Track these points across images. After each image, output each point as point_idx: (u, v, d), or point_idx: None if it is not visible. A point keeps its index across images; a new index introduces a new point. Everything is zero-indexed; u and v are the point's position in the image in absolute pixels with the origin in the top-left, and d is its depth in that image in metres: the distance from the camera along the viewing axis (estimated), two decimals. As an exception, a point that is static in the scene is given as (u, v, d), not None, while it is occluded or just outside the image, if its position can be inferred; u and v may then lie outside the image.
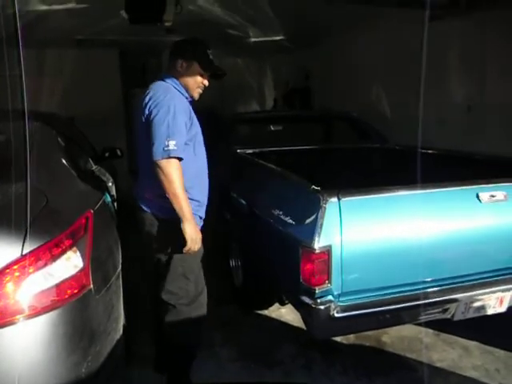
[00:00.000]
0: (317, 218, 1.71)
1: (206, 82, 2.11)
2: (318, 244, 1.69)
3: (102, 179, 2.91)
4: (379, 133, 4.11)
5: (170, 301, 2.06)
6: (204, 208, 2.14)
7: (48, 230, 1.52)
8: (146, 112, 1.95)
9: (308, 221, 1.79)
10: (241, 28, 5.53)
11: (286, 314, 3.02)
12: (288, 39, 6.36)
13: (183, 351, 2.12)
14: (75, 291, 1.51)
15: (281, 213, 2.05)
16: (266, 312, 3.07)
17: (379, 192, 1.86)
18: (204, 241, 2.03)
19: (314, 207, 1.77)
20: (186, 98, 2.10)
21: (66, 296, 1.48)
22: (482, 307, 2.07)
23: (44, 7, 4.10)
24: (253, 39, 6.16)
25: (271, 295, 2.88)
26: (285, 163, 2.68)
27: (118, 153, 4.23)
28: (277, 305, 3.02)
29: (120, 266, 2.05)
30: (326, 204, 1.72)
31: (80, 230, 1.64)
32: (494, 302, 2.07)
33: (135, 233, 2.14)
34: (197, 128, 2.10)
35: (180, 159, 1.88)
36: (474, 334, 2.63)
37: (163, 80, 2.09)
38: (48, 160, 2.06)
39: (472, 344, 2.62)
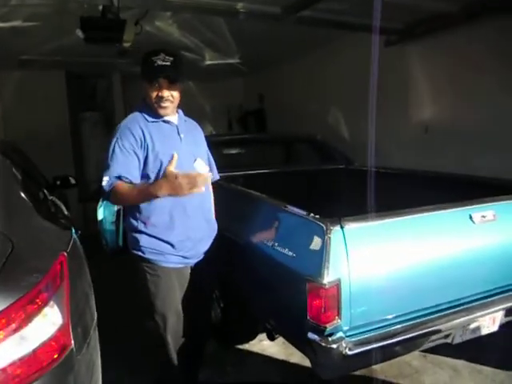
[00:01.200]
0: (322, 249, 1.59)
1: (162, 93, 1.88)
2: (328, 278, 1.56)
3: (62, 212, 2.60)
4: (344, 154, 4.12)
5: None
6: (190, 244, 2.01)
7: (19, 284, 1.26)
8: None
9: (311, 252, 1.65)
10: (197, 50, 5.42)
11: (269, 347, 2.86)
12: (243, 62, 6.34)
13: None
14: (55, 355, 1.26)
15: (274, 243, 1.90)
16: (246, 346, 2.89)
17: (380, 217, 1.78)
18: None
19: (317, 237, 1.64)
20: (155, 120, 1.96)
21: (45, 363, 1.22)
22: (478, 328, 2.04)
23: (-15, 24, 3.74)
24: (208, 62, 6.06)
25: (255, 330, 2.71)
26: (260, 187, 2.56)
27: (72, 181, 3.91)
28: (259, 337, 2.85)
29: (96, 315, 1.79)
30: (330, 233, 1.60)
31: (56, 279, 1.39)
32: (488, 322, 2.05)
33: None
34: (164, 154, 1.88)
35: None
36: (458, 352, 2.61)
37: (136, 107, 2.03)
38: (6, 196, 1.77)
39: (459, 363, 2.61)
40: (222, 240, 2.52)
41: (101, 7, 3.13)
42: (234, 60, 6.13)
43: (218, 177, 2.33)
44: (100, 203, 3.85)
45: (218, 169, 3.39)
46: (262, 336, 2.73)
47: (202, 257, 2.09)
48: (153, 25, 4.13)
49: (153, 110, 1.95)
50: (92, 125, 6.68)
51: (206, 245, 2.10)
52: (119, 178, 1.83)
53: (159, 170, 1.88)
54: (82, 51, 4.80)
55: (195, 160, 2.04)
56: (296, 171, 3.97)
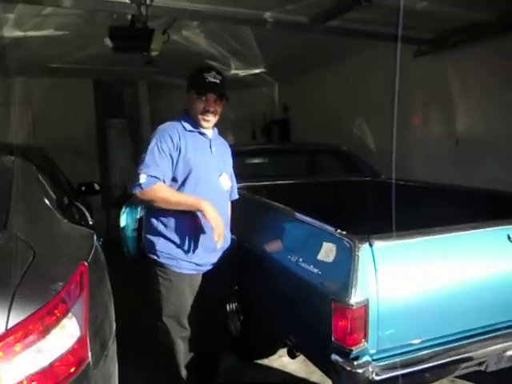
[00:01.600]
0: (350, 267, 1.51)
1: (209, 107, 2.02)
2: (355, 299, 1.48)
3: (85, 219, 2.61)
4: (370, 166, 4.02)
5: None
6: (202, 253, 2.05)
7: (38, 294, 1.23)
8: None
9: (338, 271, 1.58)
10: (222, 60, 5.44)
11: (289, 363, 2.76)
12: (268, 72, 6.33)
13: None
14: (72, 369, 1.22)
15: (298, 259, 1.84)
16: (266, 361, 2.81)
17: (411, 236, 1.69)
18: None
19: (345, 255, 1.57)
20: (192, 130, 2.06)
21: (61, 378, 1.18)
22: (514, 356, 1.90)
23: (19, 33, 3.83)
24: (233, 71, 6.07)
25: (275, 345, 2.63)
26: (283, 199, 2.50)
27: (96, 187, 3.94)
28: (279, 353, 2.78)
29: (115, 325, 1.76)
30: (358, 251, 1.53)
31: (75, 290, 1.36)
32: (525, 349, 1.91)
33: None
34: (194, 163, 2.01)
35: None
36: (490, 378, 2.46)
37: (177, 117, 2.12)
38: (31, 202, 1.77)
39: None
40: (243, 252, 2.48)
41: (129, 17, 3.16)
42: (259, 69, 6.13)
43: (237, 197, 2.41)
44: (123, 209, 3.86)
45: (241, 178, 3.42)
46: (283, 351, 2.65)
47: (214, 265, 2.12)
48: (180, 34, 4.15)
49: (193, 121, 2.07)
50: (118, 132, 6.78)
51: (218, 255, 2.13)
52: (156, 177, 1.92)
53: (187, 176, 2.00)
54: (110, 60, 4.88)
55: (221, 175, 2.14)
56: (320, 182, 3.89)
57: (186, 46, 4.59)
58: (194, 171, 1.99)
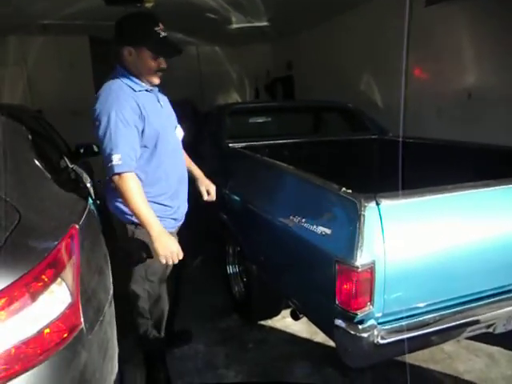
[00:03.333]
0: (356, 228, 1.43)
1: (164, 65, 1.88)
2: (361, 260, 1.40)
3: (81, 181, 2.52)
4: (378, 124, 3.86)
5: (133, 302, 2.07)
6: (181, 209, 2.06)
7: (23, 259, 1.16)
8: (92, 119, 1.80)
9: (342, 231, 1.50)
10: (222, 12, 5.17)
11: (292, 324, 2.75)
12: (271, 26, 6.02)
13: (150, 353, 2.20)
14: (64, 336, 1.17)
15: (301, 219, 1.75)
16: (269, 322, 2.81)
17: (419, 194, 1.59)
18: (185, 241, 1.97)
19: (350, 214, 1.48)
20: (141, 90, 1.87)
21: (52, 344, 1.13)
22: (524, 318, 1.85)
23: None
24: (234, 25, 5.79)
25: (279, 306, 2.61)
26: (287, 158, 2.40)
27: (95, 149, 3.83)
28: (282, 314, 2.76)
29: (112, 288, 1.71)
30: (364, 211, 1.43)
31: (65, 254, 1.29)
32: (535, 310, 1.85)
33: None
34: (160, 124, 1.90)
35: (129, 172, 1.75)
36: (495, 338, 2.42)
37: (113, 75, 1.88)
38: (18, 162, 1.68)
39: (495, 350, 2.44)
40: (246, 212, 2.41)
41: (121, -36, 2.94)
42: (261, 23, 5.83)
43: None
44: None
45: (244, 137, 3.32)
46: (286, 312, 2.63)
47: (183, 220, 2.11)
48: (176, -17, 3.90)
49: (137, 78, 1.87)
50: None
51: (185, 207, 2.11)
52: (130, 159, 1.76)
53: (156, 141, 1.88)
54: (106, 15, 4.62)
55: (176, 127, 2.08)
56: (325, 141, 3.76)
57: (183, -2, 4.34)
58: (160, 133, 1.89)
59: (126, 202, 1.78)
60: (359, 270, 1.40)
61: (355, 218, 1.45)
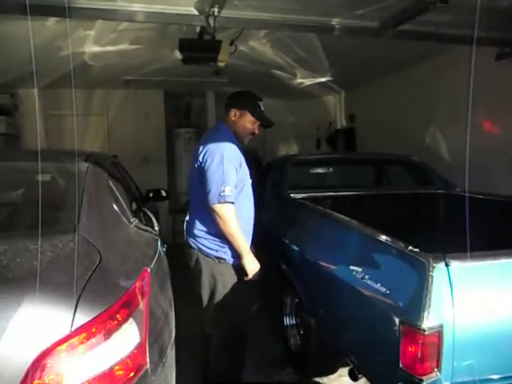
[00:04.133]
0: (423, 288, 1.38)
1: (257, 130, 2.36)
2: (428, 323, 1.35)
3: (151, 225, 2.67)
4: (444, 178, 3.75)
5: (212, 331, 2.29)
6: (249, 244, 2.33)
7: (102, 298, 1.26)
8: (201, 159, 2.20)
9: (409, 291, 1.46)
10: (288, 69, 5.42)
11: (349, 383, 2.62)
12: (334, 80, 6.20)
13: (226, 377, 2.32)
14: (131, 374, 1.23)
15: (364, 275, 1.73)
16: (325, 380, 2.69)
17: (493, 256, 1.52)
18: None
19: (417, 274, 1.44)
20: (237, 144, 2.29)
21: (121, 382, 1.19)
22: None
23: (98, 48, 4.10)
24: (299, 80, 6.03)
25: (336, 363, 2.51)
26: (349, 211, 2.39)
27: (163, 194, 4.09)
28: (339, 372, 2.64)
29: (174, 331, 1.76)
30: (433, 271, 1.39)
31: (137, 295, 1.37)
32: None
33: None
34: (245, 172, 2.32)
35: (232, 203, 2.13)
36: None
37: (217, 128, 2.40)
38: (100, 207, 1.84)
39: None
40: (306, 264, 2.41)
41: (198, 29, 3.24)
42: (325, 78, 6.02)
43: None
44: (187, 217, 3.96)
45: (305, 188, 3.41)
46: (343, 371, 2.52)
47: None
48: (246, 44, 4.19)
49: (237, 137, 2.32)
50: (186, 140, 7.01)
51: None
52: (233, 192, 2.16)
53: (243, 185, 2.29)
54: (180, 71, 5.06)
55: (251, 180, 2.42)
56: (389, 195, 3.70)
57: (253, 56, 4.63)
58: (246, 179, 2.32)
59: (225, 227, 2.11)
60: (426, 332, 1.34)
61: (423, 278, 1.41)
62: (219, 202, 2.08)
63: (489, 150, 4.20)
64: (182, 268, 2.46)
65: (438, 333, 1.36)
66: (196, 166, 2.25)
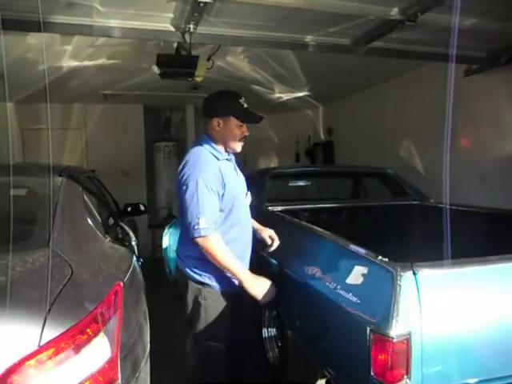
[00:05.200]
0: (391, 297, 1.42)
1: (247, 132, 2.10)
2: (396, 331, 1.38)
3: (127, 239, 2.66)
4: (418, 190, 3.84)
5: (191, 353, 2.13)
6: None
7: (72, 312, 1.25)
8: (178, 183, 2.02)
9: (378, 300, 1.49)
10: (266, 84, 5.51)
11: (328, 396, 2.63)
12: (312, 95, 6.33)
13: None
14: (101, 390, 1.22)
15: (336, 286, 1.75)
16: (305, 393, 2.69)
17: (461, 264, 1.57)
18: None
19: (386, 283, 1.47)
20: (222, 159, 2.08)
21: (90, 398, 1.18)
22: None
23: (75, 63, 4.10)
24: (277, 95, 6.13)
25: (314, 375, 2.51)
26: (326, 223, 2.44)
27: (142, 208, 4.05)
28: (318, 383, 2.65)
29: (149, 346, 1.75)
30: (400, 280, 1.43)
31: (108, 310, 1.37)
32: None
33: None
34: (235, 190, 2.08)
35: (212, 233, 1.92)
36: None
37: (199, 143, 2.11)
38: (74, 222, 1.83)
39: None
40: (282, 276, 2.42)
41: (175, 44, 3.29)
42: (302, 93, 6.14)
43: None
44: (165, 231, 3.94)
45: (284, 201, 3.41)
46: (321, 382, 2.53)
47: None
48: (224, 60, 4.27)
49: (221, 147, 2.08)
50: (166, 154, 7.01)
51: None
52: (214, 223, 1.94)
53: (232, 205, 2.06)
54: (159, 86, 5.09)
55: (246, 193, 2.24)
56: (364, 206, 3.77)
57: (231, 72, 4.70)
58: (236, 199, 2.07)
59: (212, 259, 1.93)
60: (395, 340, 1.37)
61: (391, 287, 1.44)
62: (196, 236, 1.89)
63: (461, 163, 4.35)
64: (163, 282, 2.44)
65: (407, 340, 1.39)
66: (177, 186, 2.07)
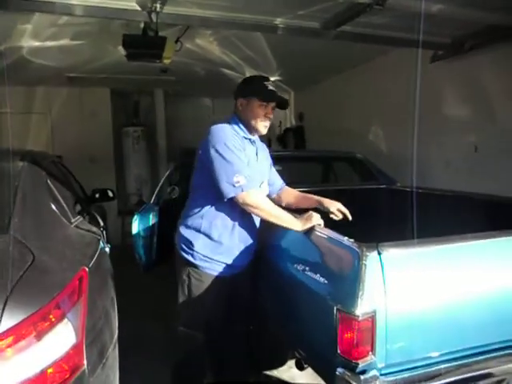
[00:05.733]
0: (357, 277, 1.45)
1: (271, 114, 2.08)
2: (361, 309, 1.41)
3: (95, 225, 2.60)
4: (385, 174, 3.92)
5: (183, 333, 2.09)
6: (236, 254, 2.07)
7: (33, 298, 1.21)
8: (204, 152, 1.97)
9: (344, 280, 1.52)
10: (237, 68, 5.45)
11: (299, 375, 2.68)
12: (283, 80, 6.31)
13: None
14: (66, 376, 1.20)
15: (305, 268, 1.78)
16: (275, 372, 2.74)
17: (424, 244, 1.61)
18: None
19: (351, 264, 1.50)
20: (245, 137, 2.08)
21: (54, 384, 1.16)
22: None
23: (37, 43, 3.92)
24: (248, 79, 6.08)
25: (285, 356, 2.56)
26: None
27: (110, 194, 3.97)
28: (288, 364, 2.70)
29: (117, 332, 1.73)
30: (366, 260, 1.46)
31: (73, 295, 1.34)
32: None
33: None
34: (253, 171, 2.04)
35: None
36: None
37: (226, 120, 2.10)
38: (36, 207, 1.77)
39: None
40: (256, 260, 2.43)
41: (142, 25, 3.19)
42: (273, 77, 6.10)
43: (284, 184, 2.51)
44: (134, 217, 3.88)
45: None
46: (292, 363, 2.58)
47: (240, 269, 2.11)
48: (193, 42, 4.17)
49: (246, 128, 2.08)
50: (134, 139, 6.86)
51: (247, 258, 2.14)
52: (250, 177, 1.93)
53: None
54: (127, 69, 4.96)
55: (262, 183, 2.19)
56: (333, 191, 3.81)
57: (200, 54, 4.61)
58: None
59: (259, 215, 1.97)
60: (360, 318, 1.40)
61: (357, 267, 1.47)
62: (240, 194, 1.87)
63: (427, 148, 4.47)
64: (133, 269, 2.39)
65: (372, 318, 1.43)
66: (200, 159, 2.02)
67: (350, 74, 5.85)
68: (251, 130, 2.09)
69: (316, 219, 1.91)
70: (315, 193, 3.70)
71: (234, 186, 1.86)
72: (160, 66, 4.39)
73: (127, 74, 5.41)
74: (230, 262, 2.05)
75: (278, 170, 4.22)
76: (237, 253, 2.06)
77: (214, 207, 2.01)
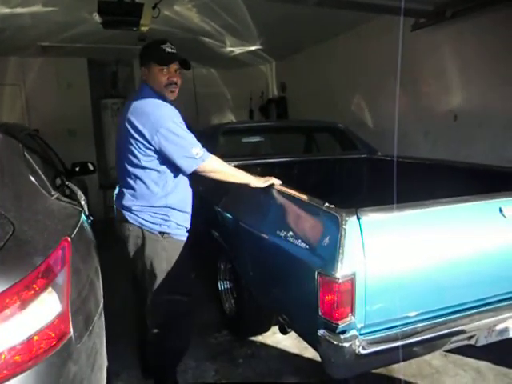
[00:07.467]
0: (336, 241, 1.49)
1: (174, 78, 2.03)
2: (341, 272, 1.46)
3: (75, 198, 2.57)
4: (367, 143, 3.96)
5: (154, 309, 2.13)
6: (190, 218, 2.18)
7: (16, 268, 1.21)
8: (140, 127, 1.91)
9: (325, 245, 1.56)
10: (217, 36, 5.32)
11: (283, 339, 2.78)
12: (265, 49, 6.21)
13: (171, 355, 2.20)
14: (52, 343, 1.21)
15: (287, 234, 1.81)
16: (260, 338, 2.83)
17: (401, 209, 1.66)
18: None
19: (331, 229, 1.54)
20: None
21: (41, 351, 1.17)
22: (505, 330, 1.90)
23: (6, 10, 3.74)
24: (229, 48, 5.95)
25: (269, 322, 2.63)
26: (278, 177, 2.47)
27: (90, 167, 3.92)
28: (272, 329, 2.79)
29: (102, 300, 1.75)
30: (345, 224, 1.50)
31: (56, 265, 1.34)
32: (516, 323, 1.90)
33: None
34: None
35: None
36: (482, 353, 2.46)
37: (142, 93, 2.02)
38: (14, 177, 1.74)
39: (483, 365, 2.47)
40: (238, 229, 2.46)
41: (118, -10, 3.08)
42: (255, 47, 6.00)
43: None
44: (117, 190, 3.85)
45: (237, 156, 3.40)
46: (276, 328, 2.66)
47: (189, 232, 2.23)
48: (171, 9, 4.05)
49: (161, 95, 2.02)
50: (113, 112, 6.70)
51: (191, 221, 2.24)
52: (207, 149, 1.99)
53: None
54: (104, 38, 4.79)
55: None
56: (316, 160, 3.85)
57: (179, 22, 4.48)
58: None
59: (220, 178, 2.04)
60: (340, 281, 1.45)
61: (337, 231, 1.51)
62: (201, 164, 1.93)
63: (408, 117, 4.50)
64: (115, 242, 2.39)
65: (351, 280, 1.48)
66: (129, 134, 1.95)
67: (331, 42, 5.79)
68: (163, 96, 2.03)
69: (275, 180, 2.10)
70: (297, 163, 3.77)
71: (194, 158, 1.91)
72: (138, 34, 4.25)
73: (104, 42, 5.23)
74: (188, 226, 2.16)
75: (260, 141, 4.25)
76: (189, 217, 2.17)
77: (174, 183, 2.05)
